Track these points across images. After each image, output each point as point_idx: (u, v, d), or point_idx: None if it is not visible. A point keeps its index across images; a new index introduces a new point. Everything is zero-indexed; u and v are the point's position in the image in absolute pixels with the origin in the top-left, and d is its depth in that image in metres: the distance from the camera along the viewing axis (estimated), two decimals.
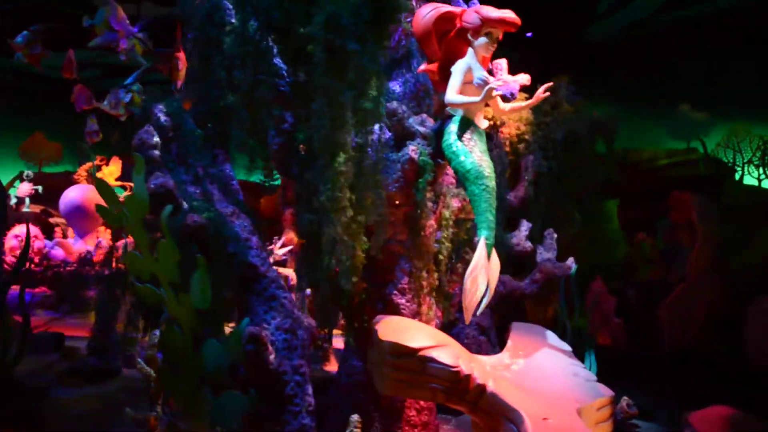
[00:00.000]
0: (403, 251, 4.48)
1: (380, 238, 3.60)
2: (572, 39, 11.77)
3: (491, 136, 6.22)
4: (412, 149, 4.17)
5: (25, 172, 13.55)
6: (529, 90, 6.44)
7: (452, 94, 3.97)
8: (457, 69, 4.02)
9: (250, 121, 3.87)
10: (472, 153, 3.98)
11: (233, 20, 3.93)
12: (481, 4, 4.43)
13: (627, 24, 11.05)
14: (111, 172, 12.25)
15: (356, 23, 3.14)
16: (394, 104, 4.31)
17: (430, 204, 4.34)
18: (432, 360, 3.53)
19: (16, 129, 15.02)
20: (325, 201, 3.49)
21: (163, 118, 3.81)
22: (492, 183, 3.97)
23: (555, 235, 5.94)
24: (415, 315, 4.50)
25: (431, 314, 4.40)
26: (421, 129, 4.33)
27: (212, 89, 3.93)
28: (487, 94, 3.79)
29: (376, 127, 4.78)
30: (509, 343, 4.70)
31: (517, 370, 4.32)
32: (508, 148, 6.38)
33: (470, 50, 4.05)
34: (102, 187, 3.22)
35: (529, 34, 12.48)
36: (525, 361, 4.45)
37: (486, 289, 3.88)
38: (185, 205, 3.53)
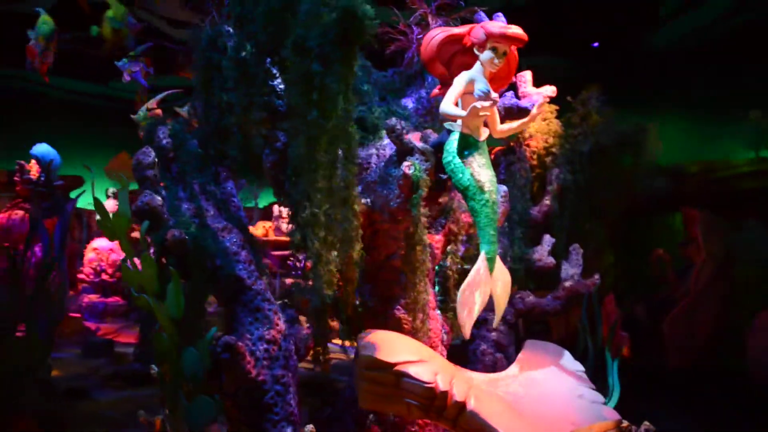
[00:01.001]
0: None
1: (345, 254, 3.64)
2: (633, 47, 11.33)
3: (513, 149, 6.11)
4: (406, 165, 4.20)
5: (110, 189, 14.63)
6: (557, 101, 6.30)
7: (446, 104, 3.92)
8: (458, 80, 3.97)
9: (245, 140, 4.07)
10: (470, 169, 3.95)
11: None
12: (508, 19, 4.35)
13: (690, 29, 10.50)
14: None
15: (321, 45, 3.24)
16: (393, 120, 4.36)
17: (424, 219, 4.34)
18: (406, 375, 3.53)
19: (105, 150, 16.20)
20: (307, 217, 3.60)
21: (164, 140, 4.08)
22: (493, 197, 3.92)
23: (581, 251, 5.73)
24: (417, 330, 4.50)
25: (426, 329, 4.37)
26: (419, 144, 4.36)
27: (213, 110, 4.16)
28: (472, 110, 3.73)
29: (385, 141, 4.90)
30: (516, 361, 4.60)
31: (514, 389, 4.21)
32: (534, 161, 6.24)
33: (477, 63, 4.04)
34: (96, 205, 3.52)
35: (595, 44, 12.18)
36: (526, 380, 4.33)
37: (479, 303, 3.83)
38: (172, 221, 3.75)
